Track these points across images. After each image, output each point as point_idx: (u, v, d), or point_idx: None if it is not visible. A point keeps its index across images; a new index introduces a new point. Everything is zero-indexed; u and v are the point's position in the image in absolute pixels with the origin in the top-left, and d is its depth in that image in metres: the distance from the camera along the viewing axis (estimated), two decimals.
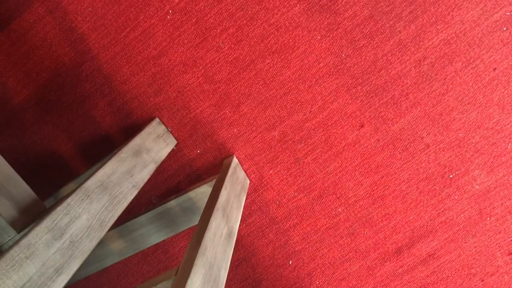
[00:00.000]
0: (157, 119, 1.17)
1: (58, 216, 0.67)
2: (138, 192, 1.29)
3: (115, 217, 0.78)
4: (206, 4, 1.08)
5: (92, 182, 0.77)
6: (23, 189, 0.75)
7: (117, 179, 0.83)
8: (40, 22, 1.13)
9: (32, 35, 1.15)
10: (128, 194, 0.84)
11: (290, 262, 1.29)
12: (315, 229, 1.25)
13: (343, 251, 1.26)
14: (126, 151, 0.91)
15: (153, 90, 1.16)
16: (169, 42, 1.12)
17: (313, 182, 1.20)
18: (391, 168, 1.17)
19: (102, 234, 0.73)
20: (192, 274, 0.68)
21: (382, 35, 1.07)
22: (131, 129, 1.22)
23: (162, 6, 1.09)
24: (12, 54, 1.18)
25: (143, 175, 0.92)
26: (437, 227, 1.20)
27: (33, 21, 1.13)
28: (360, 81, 1.11)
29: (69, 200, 0.70)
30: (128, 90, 1.17)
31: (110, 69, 1.16)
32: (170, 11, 1.09)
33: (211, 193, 0.97)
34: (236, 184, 1.08)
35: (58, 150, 1.27)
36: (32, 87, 1.21)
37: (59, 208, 0.68)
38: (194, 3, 1.08)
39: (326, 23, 1.07)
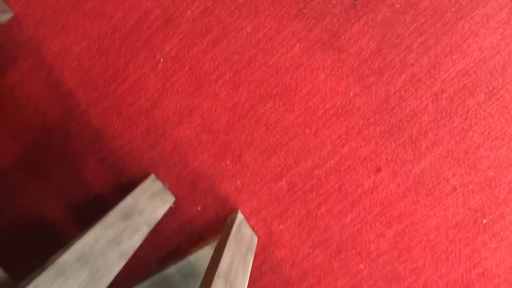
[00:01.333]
0: (152, 175, 1.07)
1: None
2: (136, 256, 1.17)
3: None
4: (199, 50, 1.00)
5: (69, 256, 0.66)
6: None
7: (100, 248, 0.72)
8: (25, 79, 1.07)
9: (17, 93, 1.08)
10: (114, 265, 0.73)
11: None
12: None
13: None
14: (113, 215, 0.80)
15: (147, 144, 1.07)
16: (161, 92, 1.04)
17: (329, 236, 1.07)
18: (415, 216, 1.04)
19: None
20: None
21: (393, 70, 0.97)
22: (126, 187, 1.12)
23: (153, 55, 1.02)
24: None
25: (134, 242, 0.81)
26: (475, 280, 1.05)
27: (18, 79, 1.07)
28: (372, 121, 1.00)
29: (37, 280, 0.59)
30: (121, 145, 1.08)
31: (101, 124, 1.07)
32: (161, 60, 1.02)
33: (212, 256, 0.85)
34: (242, 243, 0.96)
35: (48, 216, 1.17)
36: (18, 148, 1.13)
37: None
38: (186, 49, 1.01)
39: (329, 61, 0.98)
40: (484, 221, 1.02)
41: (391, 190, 1.03)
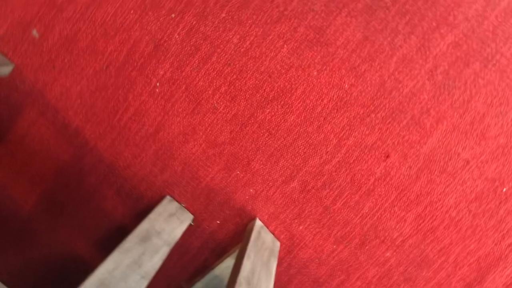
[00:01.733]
0: (168, 197, 1.09)
1: None
2: (166, 278, 1.19)
3: None
4: (191, 68, 1.03)
5: (89, 284, 0.68)
6: None
7: (121, 273, 0.74)
8: (33, 126, 1.12)
9: (29, 140, 1.13)
10: (137, 287, 0.75)
11: None
12: (366, 281, 1.10)
13: None
14: (131, 240, 0.83)
15: (158, 168, 1.10)
16: (163, 115, 1.06)
17: (350, 229, 1.07)
18: (433, 195, 1.03)
19: None
20: None
21: (383, 55, 0.97)
22: (145, 212, 1.14)
23: (148, 80, 1.05)
24: (13, 165, 1.16)
25: (154, 262, 0.83)
26: (507, 252, 1.03)
27: (27, 127, 1.12)
28: (372, 108, 1.00)
29: None
30: (134, 173, 1.11)
31: (111, 156, 1.11)
32: (158, 84, 1.05)
33: (233, 266, 0.86)
34: (262, 250, 0.97)
35: (77, 252, 1.21)
36: (38, 192, 1.17)
37: None
38: (179, 70, 1.03)
39: (319, 57, 0.99)
40: (504, 189, 1.00)
41: (404, 173, 1.02)
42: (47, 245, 1.22)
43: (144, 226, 0.90)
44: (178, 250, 1.15)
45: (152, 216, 0.96)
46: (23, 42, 1.06)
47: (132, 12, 1.02)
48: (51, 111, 1.10)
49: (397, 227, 1.05)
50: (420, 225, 1.05)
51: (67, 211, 1.17)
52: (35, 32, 1.05)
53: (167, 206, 1.05)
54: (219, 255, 1.14)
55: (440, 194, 1.02)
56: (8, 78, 1.08)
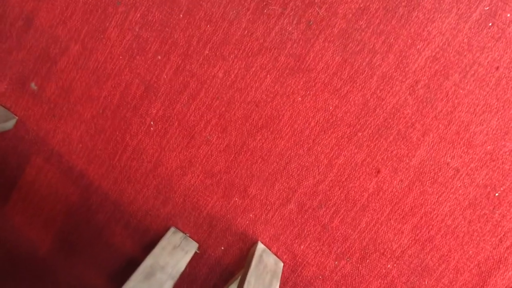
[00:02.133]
0: (172, 228, 1.14)
1: None
2: None
3: None
4: (182, 105, 1.08)
5: None
6: None
7: None
8: (41, 172, 1.18)
9: (38, 186, 1.20)
10: None
11: None
12: None
13: None
14: (134, 279, 0.87)
15: (160, 201, 1.15)
16: (160, 151, 1.11)
17: (350, 245, 1.10)
18: (427, 205, 1.05)
19: None
20: None
21: (363, 75, 1.00)
22: (152, 243, 1.20)
23: (143, 120, 1.10)
24: (27, 208, 1.23)
25: None
26: (506, 254, 1.04)
27: (35, 173, 1.18)
28: (358, 127, 1.03)
29: None
30: (138, 208, 1.16)
31: (116, 194, 1.16)
32: (152, 123, 1.10)
33: None
34: (264, 274, 1.00)
35: (93, 286, 1.27)
36: (52, 233, 1.24)
37: None
38: (171, 108, 1.08)
39: (301, 82, 1.02)
40: (497, 194, 1.02)
41: (396, 187, 1.05)
42: (65, 283, 1.28)
43: (148, 262, 0.95)
44: (187, 279, 1.20)
45: (156, 251, 1.01)
46: (23, 96, 1.13)
47: (121, 57, 1.07)
48: (56, 157, 1.16)
49: (395, 239, 1.08)
50: (417, 235, 1.07)
51: (80, 248, 1.23)
52: (33, 85, 1.12)
53: (171, 238, 1.09)
54: (226, 280, 1.18)
55: (434, 204, 1.04)
56: (13, 130, 1.15)
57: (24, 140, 1.16)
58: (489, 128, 0.99)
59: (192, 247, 1.11)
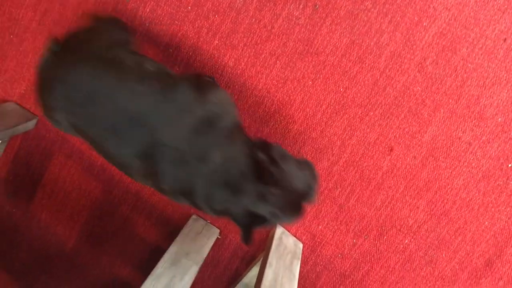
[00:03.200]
0: (193, 216, 1.18)
1: None
2: None
3: None
4: None
5: None
6: None
7: None
8: (64, 168, 1.22)
9: (61, 182, 1.24)
10: None
11: None
12: (390, 269, 1.15)
13: (430, 282, 1.14)
14: (161, 266, 0.91)
15: None
16: None
17: (367, 223, 1.12)
18: (441, 180, 1.07)
19: None
20: None
21: (372, 55, 1.01)
22: (175, 231, 1.23)
23: None
24: (52, 205, 1.28)
25: (186, 282, 0.91)
26: None
27: (58, 171, 1.23)
28: (370, 107, 1.04)
29: None
30: (159, 199, 1.20)
31: (137, 186, 1.20)
32: None
33: (257, 276, 0.93)
34: (284, 255, 1.04)
35: (121, 276, 1.31)
36: (78, 227, 1.28)
37: None
38: None
39: (311, 66, 1.04)
40: (510, 165, 1.03)
41: (410, 163, 1.07)
42: (93, 274, 1.33)
43: (172, 249, 0.98)
44: (210, 263, 1.24)
45: (179, 238, 1.04)
46: None
47: None
48: (77, 153, 1.20)
49: (411, 214, 1.10)
50: (433, 210, 1.09)
51: (106, 240, 1.28)
52: None
53: (193, 225, 1.13)
54: (248, 263, 1.21)
55: (447, 178, 1.06)
56: (35, 130, 1.19)
57: (46, 139, 1.20)
58: (499, 100, 1.00)
59: (213, 233, 1.15)
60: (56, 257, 1.35)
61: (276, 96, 1.07)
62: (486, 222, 1.07)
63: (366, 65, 1.02)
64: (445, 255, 1.11)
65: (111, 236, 1.27)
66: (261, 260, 1.03)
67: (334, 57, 1.03)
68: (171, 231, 1.23)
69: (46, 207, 1.28)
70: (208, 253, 1.07)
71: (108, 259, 1.30)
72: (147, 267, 1.29)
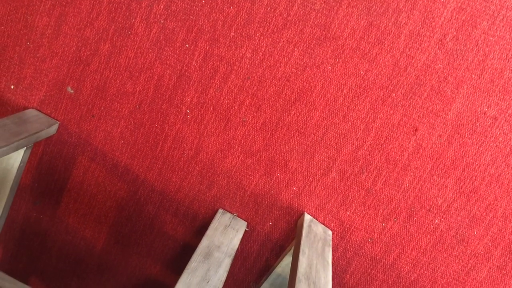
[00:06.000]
0: (220, 210, 1.18)
1: None
2: (236, 284, 1.28)
3: None
4: (215, 89, 1.10)
5: None
6: None
7: None
8: (88, 172, 1.23)
9: (87, 186, 1.25)
10: None
11: None
12: (422, 250, 1.14)
13: (463, 261, 1.13)
14: (195, 260, 0.91)
15: (205, 186, 1.18)
16: (199, 138, 1.14)
17: (395, 205, 1.12)
18: (468, 157, 1.05)
19: None
20: None
21: (390, 35, 1.00)
22: (203, 228, 1.24)
23: (179, 110, 1.13)
24: (78, 209, 1.28)
25: (220, 275, 0.91)
26: None
27: (82, 174, 1.23)
28: (391, 88, 1.04)
29: None
30: (185, 195, 1.20)
31: (162, 184, 1.20)
32: (188, 111, 1.13)
33: (291, 264, 0.93)
34: (315, 242, 1.03)
35: (152, 274, 1.32)
36: (105, 229, 1.29)
37: None
38: (204, 94, 1.11)
39: (329, 51, 1.03)
40: None
41: (435, 142, 1.06)
42: (124, 274, 1.34)
43: (204, 243, 0.98)
44: (240, 256, 1.24)
45: (209, 232, 1.04)
46: (61, 100, 1.17)
47: (150, 51, 1.10)
48: (100, 156, 1.20)
49: (440, 194, 1.09)
50: (461, 188, 1.08)
51: (134, 240, 1.28)
52: (69, 89, 1.16)
53: (221, 219, 1.13)
54: (278, 253, 1.21)
55: (475, 155, 1.05)
56: (56, 135, 1.19)
57: (68, 143, 1.20)
58: None
59: (241, 226, 1.15)
60: (86, 261, 1.35)
61: (296, 84, 1.07)
62: None
63: (386, 46, 1.01)
64: (476, 233, 1.10)
65: (139, 236, 1.27)
66: (292, 249, 1.03)
67: (353, 40, 1.02)
68: (198, 227, 1.23)
69: (73, 211, 1.29)
70: (238, 247, 1.07)
71: (138, 259, 1.31)
72: (177, 264, 1.29)
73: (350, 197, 1.13)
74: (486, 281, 1.14)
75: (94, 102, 1.16)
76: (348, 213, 1.14)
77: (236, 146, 1.14)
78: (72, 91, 1.16)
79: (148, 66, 1.11)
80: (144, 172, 1.20)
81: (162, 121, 1.15)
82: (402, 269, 1.17)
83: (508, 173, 1.05)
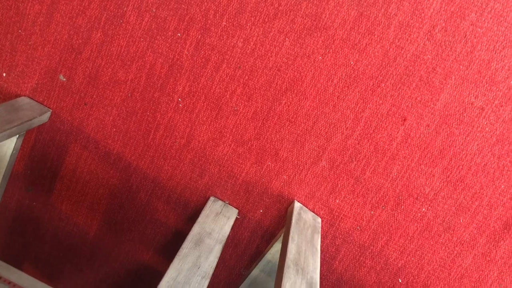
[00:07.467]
0: (211, 198, 1.19)
1: None
2: (227, 270, 1.31)
3: None
4: (206, 78, 1.11)
5: None
6: None
7: (184, 278, 0.84)
8: (80, 159, 1.24)
9: (79, 173, 1.26)
10: (200, 286, 0.85)
11: (400, 281, 1.21)
12: (409, 238, 1.16)
13: (449, 248, 1.15)
14: (186, 246, 0.93)
15: (197, 174, 1.20)
16: (191, 126, 1.15)
17: (383, 193, 1.14)
18: (455, 147, 1.07)
19: None
20: None
21: (380, 26, 1.01)
22: (194, 215, 1.25)
23: (171, 98, 1.14)
24: (71, 196, 1.29)
25: (211, 261, 0.93)
26: None
27: (75, 162, 1.24)
28: (381, 78, 1.05)
29: None
30: (177, 183, 1.22)
31: (154, 172, 1.22)
32: (180, 99, 1.14)
33: (280, 251, 0.95)
34: (305, 229, 1.05)
35: (143, 261, 1.34)
36: (98, 217, 1.30)
37: None
38: (196, 83, 1.12)
39: (320, 41, 1.04)
40: None
41: (423, 132, 1.07)
42: (116, 261, 1.36)
43: (195, 230, 1.00)
44: (231, 243, 1.26)
45: (201, 219, 1.06)
46: (54, 88, 1.17)
47: (142, 40, 1.10)
48: (92, 143, 1.21)
49: (427, 182, 1.11)
50: (448, 176, 1.10)
51: (127, 227, 1.30)
52: (62, 77, 1.16)
53: (212, 206, 1.15)
54: (268, 240, 1.23)
55: (462, 145, 1.07)
56: (49, 123, 1.20)
57: (60, 131, 1.21)
58: (511, 63, 1.00)
59: (232, 213, 1.17)
60: (79, 247, 1.37)
61: (287, 73, 1.08)
62: (502, 186, 1.08)
63: (375, 36, 1.03)
64: (462, 221, 1.13)
65: (131, 223, 1.29)
66: (282, 236, 1.05)
67: (343, 30, 1.03)
68: (190, 214, 1.25)
69: (66, 198, 1.30)
70: (229, 234, 1.09)
71: (130, 246, 1.33)
72: (169, 251, 1.31)
73: (339, 185, 1.15)
74: (471, 268, 1.17)
75: (87, 90, 1.16)
76: (337, 201, 1.16)
77: (228, 135, 1.15)
78: (64, 79, 1.16)
79: (140, 55, 1.12)
80: (136, 160, 1.21)
81: (154, 109, 1.16)
82: (390, 256, 1.19)
83: (494, 163, 1.07)
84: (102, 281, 1.39)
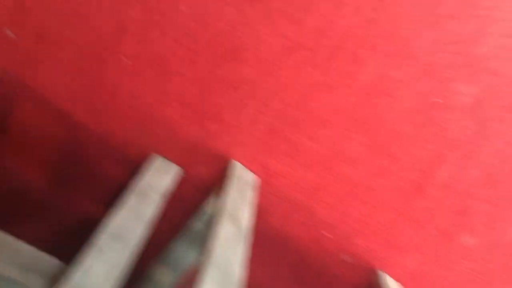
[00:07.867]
0: (154, 155, 1.27)
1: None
2: (171, 226, 1.40)
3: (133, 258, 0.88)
4: (152, 41, 1.17)
5: (104, 236, 0.88)
6: (51, 263, 0.87)
7: (127, 225, 0.93)
8: (29, 115, 1.28)
9: (29, 128, 1.30)
10: (142, 234, 0.94)
11: (326, 234, 1.35)
12: (336, 196, 1.30)
13: (368, 206, 1.30)
14: (129, 196, 1.01)
15: (141, 132, 1.27)
16: (137, 87, 1.22)
17: (314, 155, 1.25)
18: (378, 115, 1.20)
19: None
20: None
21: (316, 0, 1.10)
22: (139, 171, 1.33)
23: (118, 58, 1.19)
24: (20, 151, 1.34)
25: (152, 210, 1.01)
26: (445, 151, 1.21)
27: (24, 117, 1.28)
28: (316, 49, 1.15)
29: (82, 259, 0.81)
30: (122, 141, 1.28)
31: (101, 130, 1.28)
32: (126, 59, 1.19)
33: (218, 204, 1.05)
34: (241, 185, 1.16)
35: (91, 213, 1.41)
36: (47, 171, 1.36)
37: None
38: (142, 45, 1.17)
39: (261, 13, 1.12)
40: (435, 99, 1.17)
41: (351, 101, 1.19)
42: (65, 213, 1.42)
43: (137, 183, 1.08)
44: (174, 199, 1.35)
45: (143, 174, 1.14)
46: (1, 44, 1.19)
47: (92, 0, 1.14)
48: (40, 100, 1.25)
49: (352, 147, 1.23)
50: (371, 142, 1.22)
51: (75, 181, 1.36)
52: (9, 32, 1.18)
53: (155, 162, 1.23)
54: (209, 196, 1.33)
55: (383, 113, 1.19)
56: None
57: (9, 87, 1.24)
58: (428, 41, 1.12)
59: (172, 168, 1.25)
60: (29, 197, 1.42)
61: (230, 40, 1.15)
62: (416, 152, 1.22)
63: (313, 10, 1.11)
64: (381, 182, 1.27)
65: (79, 177, 1.35)
66: (221, 191, 1.15)
67: (283, 2, 1.11)
68: (134, 170, 1.33)
69: (16, 154, 1.34)
70: (174, 193, 1.18)
71: (78, 197, 1.39)
72: (113, 204, 1.39)
73: (275, 147, 1.25)
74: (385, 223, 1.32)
75: (36, 48, 1.19)
76: (273, 161, 1.27)
77: (173, 96, 1.22)
78: (12, 35, 1.18)
79: (90, 14, 1.15)
80: (84, 117, 1.26)
81: (101, 69, 1.20)
82: (319, 212, 1.32)
83: (408, 129, 1.20)
84: (50, 230, 1.46)
